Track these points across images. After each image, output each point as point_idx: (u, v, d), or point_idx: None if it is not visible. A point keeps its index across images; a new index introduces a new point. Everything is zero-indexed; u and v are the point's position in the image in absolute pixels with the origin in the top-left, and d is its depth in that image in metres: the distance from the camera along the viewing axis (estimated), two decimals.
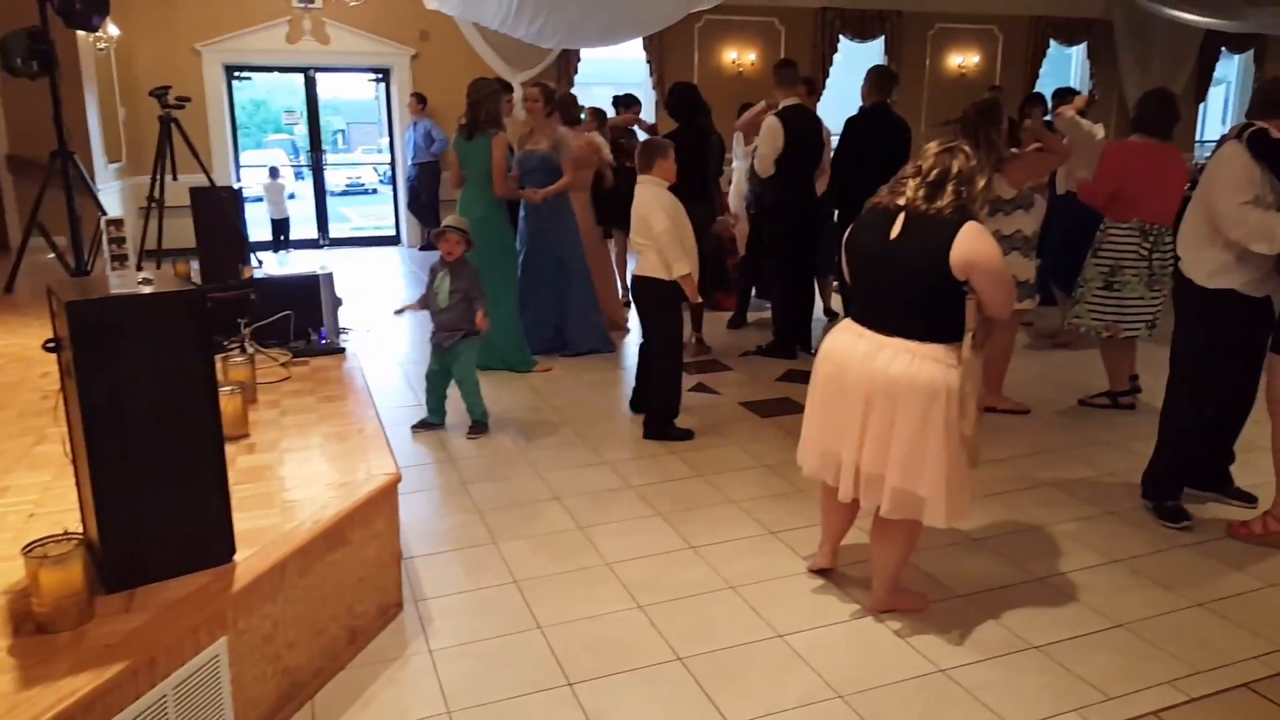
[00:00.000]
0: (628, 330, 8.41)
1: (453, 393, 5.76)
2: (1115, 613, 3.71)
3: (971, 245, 3.24)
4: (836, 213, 7.71)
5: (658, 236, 5.34)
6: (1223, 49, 16.70)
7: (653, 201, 5.38)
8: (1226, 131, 12.23)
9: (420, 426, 5.79)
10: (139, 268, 7.82)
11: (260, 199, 13.72)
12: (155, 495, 2.66)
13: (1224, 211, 4.18)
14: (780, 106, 7.33)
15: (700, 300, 5.77)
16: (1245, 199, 4.11)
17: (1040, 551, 4.25)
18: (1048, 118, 8.10)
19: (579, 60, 13.63)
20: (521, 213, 7.39)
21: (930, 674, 3.31)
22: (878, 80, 7.31)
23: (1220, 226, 4.21)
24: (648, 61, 14.00)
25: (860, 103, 7.37)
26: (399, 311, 5.94)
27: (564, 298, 7.55)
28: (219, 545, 2.82)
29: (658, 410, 5.71)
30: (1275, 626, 3.62)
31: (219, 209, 7.64)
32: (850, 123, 7.44)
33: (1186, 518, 4.52)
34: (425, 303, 5.61)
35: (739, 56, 14.38)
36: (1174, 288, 4.68)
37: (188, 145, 9.22)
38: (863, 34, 14.76)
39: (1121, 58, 15.86)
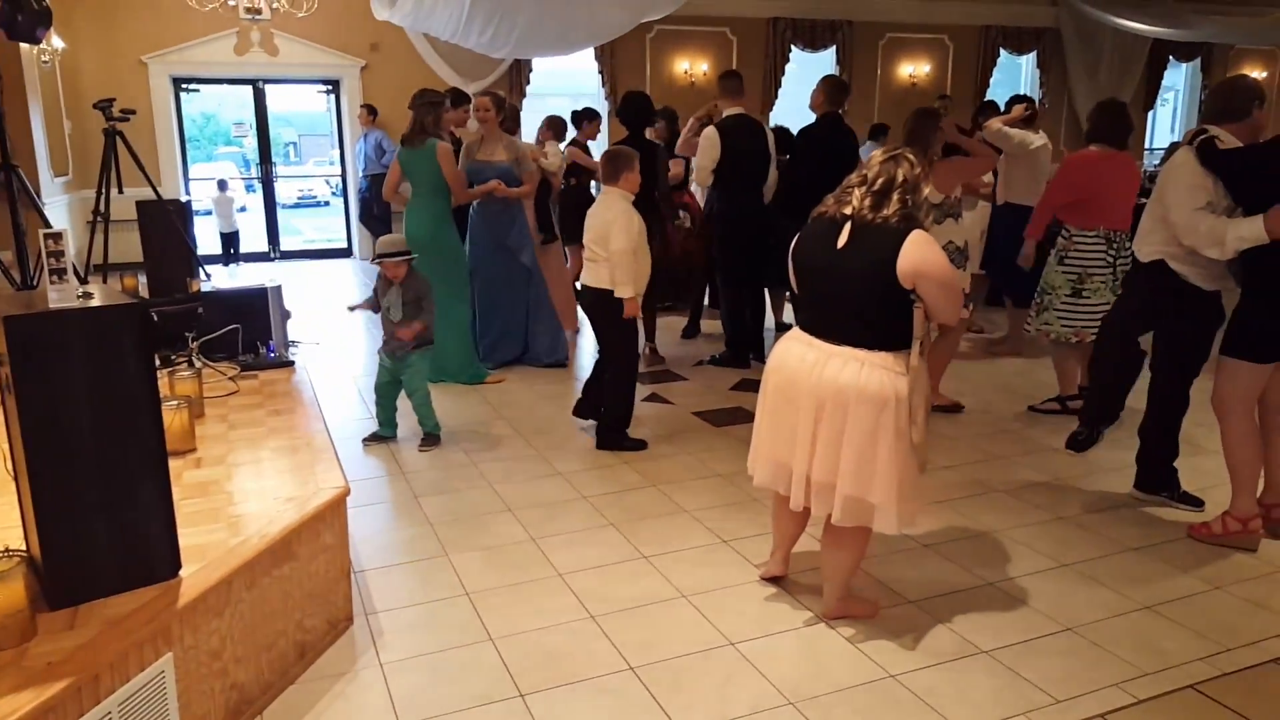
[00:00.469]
0: (578, 329, 8.43)
1: (404, 405, 5.73)
2: (1064, 616, 3.75)
3: (919, 254, 3.26)
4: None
5: (613, 254, 5.29)
6: (1170, 57, 16.98)
7: (619, 218, 5.30)
8: (1179, 139, 12.45)
9: (371, 439, 5.75)
10: (85, 282, 7.72)
11: (210, 212, 13.60)
12: (98, 511, 2.62)
13: (1177, 219, 4.27)
14: (724, 115, 7.35)
15: (640, 315, 5.70)
16: (1198, 205, 4.20)
17: (990, 557, 4.29)
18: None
19: (531, 70, 13.64)
20: (473, 222, 7.33)
21: (881, 679, 3.33)
22: (830, 90, 7.35)
23: (1175, 233, 4.31)
24: (600, 72, 14.05)
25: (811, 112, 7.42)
26: (352, 308, 5.91)
27: (529, 306, 7.51)
28: (164, 560, 2.78)
29: (611, 420, 5.70)
30: (1221, 628, 3.67)
31: (166, 222, 7.56)
32: (805, 133, 7.47)
33: (1079, 448, 5.46)
34: (376, 305, 5.58)
35: (691, 66, 14.46)
36: (1127, 278, 4.78)
37: (133, 158, 9.10)
38: (814, 44, 14.89)
39: (1071, 66, 16.10)
